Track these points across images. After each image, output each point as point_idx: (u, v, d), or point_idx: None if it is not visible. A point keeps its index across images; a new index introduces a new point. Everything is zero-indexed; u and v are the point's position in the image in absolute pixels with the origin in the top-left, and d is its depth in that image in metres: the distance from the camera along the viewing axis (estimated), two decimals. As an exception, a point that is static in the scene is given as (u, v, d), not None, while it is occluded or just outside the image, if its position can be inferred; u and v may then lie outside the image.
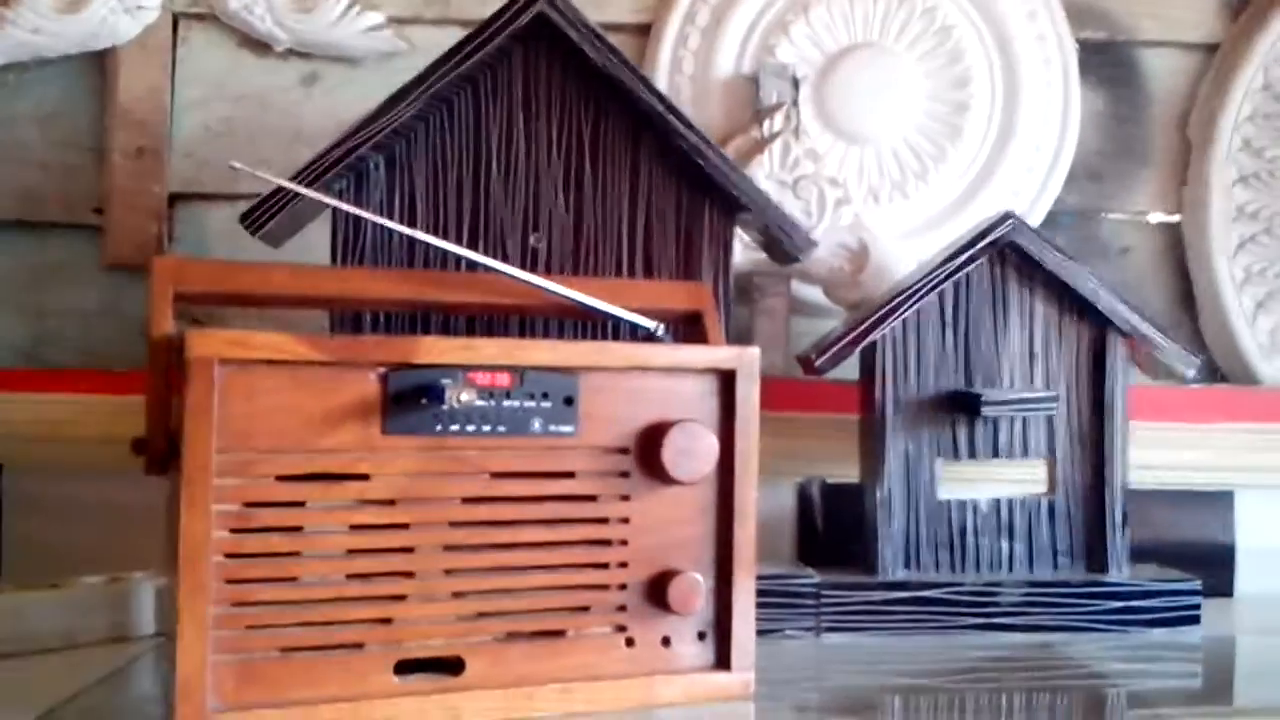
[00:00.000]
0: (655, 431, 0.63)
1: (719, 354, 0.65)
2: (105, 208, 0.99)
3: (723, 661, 0.65)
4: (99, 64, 1.00)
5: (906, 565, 0.82)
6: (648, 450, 0.63)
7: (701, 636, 0.65)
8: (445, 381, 0.59)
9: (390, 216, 0.78)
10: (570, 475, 0.63)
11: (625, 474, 0.63)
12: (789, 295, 0.98)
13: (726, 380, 0.65)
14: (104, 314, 0.99)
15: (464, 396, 0.60)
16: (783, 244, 0.79)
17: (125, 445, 0.92)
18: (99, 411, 0.93)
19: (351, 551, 0.59)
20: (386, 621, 0.59)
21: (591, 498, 0.63)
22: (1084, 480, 0.85)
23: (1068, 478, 0.84)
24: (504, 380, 0.61)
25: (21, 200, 0.99)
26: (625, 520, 0.63)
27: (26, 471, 0.94)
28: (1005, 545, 0.84)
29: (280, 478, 0.57)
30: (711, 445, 0.63)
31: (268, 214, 0.74)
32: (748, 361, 0.65)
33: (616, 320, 0.70)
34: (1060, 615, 0.81)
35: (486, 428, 0.61)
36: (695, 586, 0.63)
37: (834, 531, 0.92)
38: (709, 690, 0.64)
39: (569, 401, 0.62)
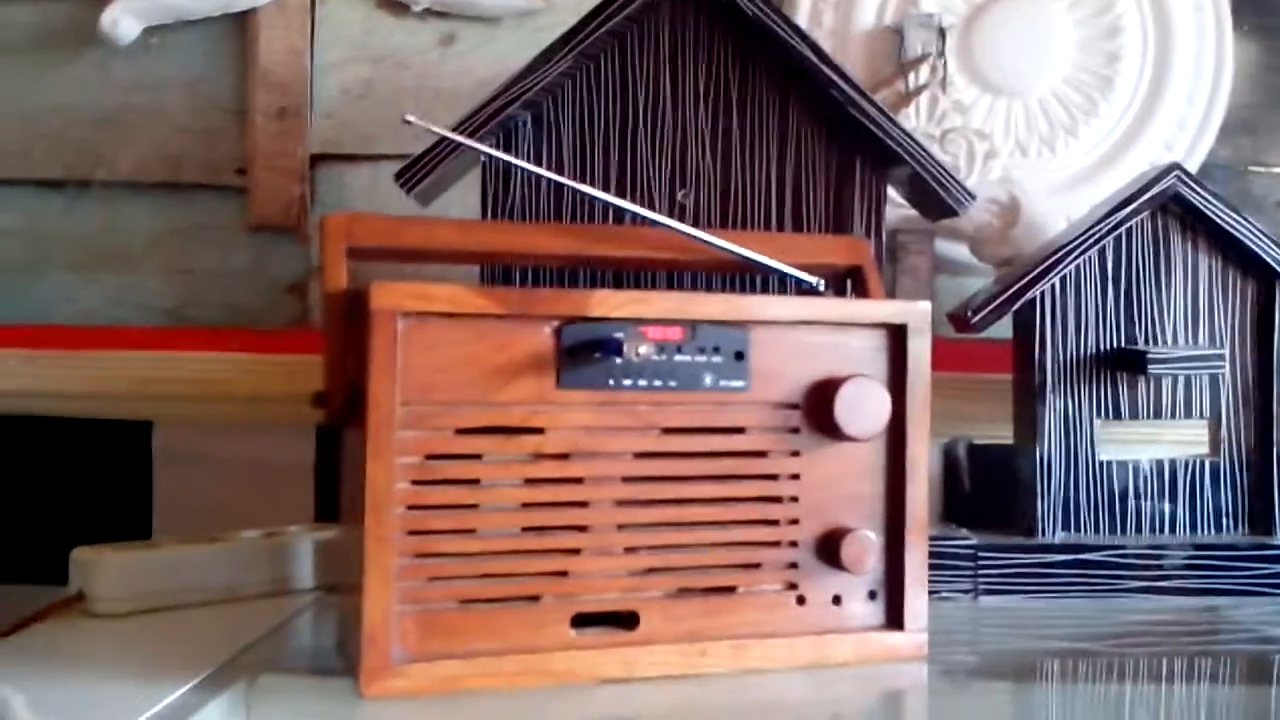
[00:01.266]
0: (826, 387, 0.62)
1: (889, 308, 0.64)
2: (248, 169, 1.00)
3: (894, 621, 0.64)
4: (240, 26, 1.01)
5: (1065, 527, 0.80)
6: (819, 406, 0.62)
7: (873, 596, 0.64)
8: (619, 335, 0.59)
9: (535, 176, 0.78)
10: (741, 431, 0.62)
11: (795, 430, 0.63)
12: (933, 253, 0.96)
13: (894, 336, 0.64)
14: (248, 274, 1.01)
15: (640, 350, 0.59)
16: (939, 198, 0.77)
17: (273, 402, 0.95)
18: (247, 370, 0.95)
19: (527, 505, 0.59)
20: (562, 575, 0.59)
21: (762, 454, 0.62)
22: (1249, 441, 0.82)
23: (1232, 438, 0.82)
24: (676, 334, 0.60)
25: (166, 163, 1.01)
26: (796, 477, 0.63)
27: (177, 429, 0.96)
28: (1168, 507, 0.81)
29: (459, 430, 0.57)
30: (884, 401, 0.62)
31: (425, 170, 0.74)
32: (919, 316, 0.64)
33: (777, 275, 0.69)
34: (1226, 578, 0.79)
35: (658, 382, 0.60)
36: (868, 544, 0.62)
37: (981, 492, 0.90)
38: (881, 650, 0.63)
39: (739, 356, 0.61)
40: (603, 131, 0.79)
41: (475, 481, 0.58)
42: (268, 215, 0.99)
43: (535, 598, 0.59)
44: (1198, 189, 0.80)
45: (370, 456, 0.55)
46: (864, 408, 0.62)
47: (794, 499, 0.63)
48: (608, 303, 0.59)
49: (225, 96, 1.01)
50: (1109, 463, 0.81)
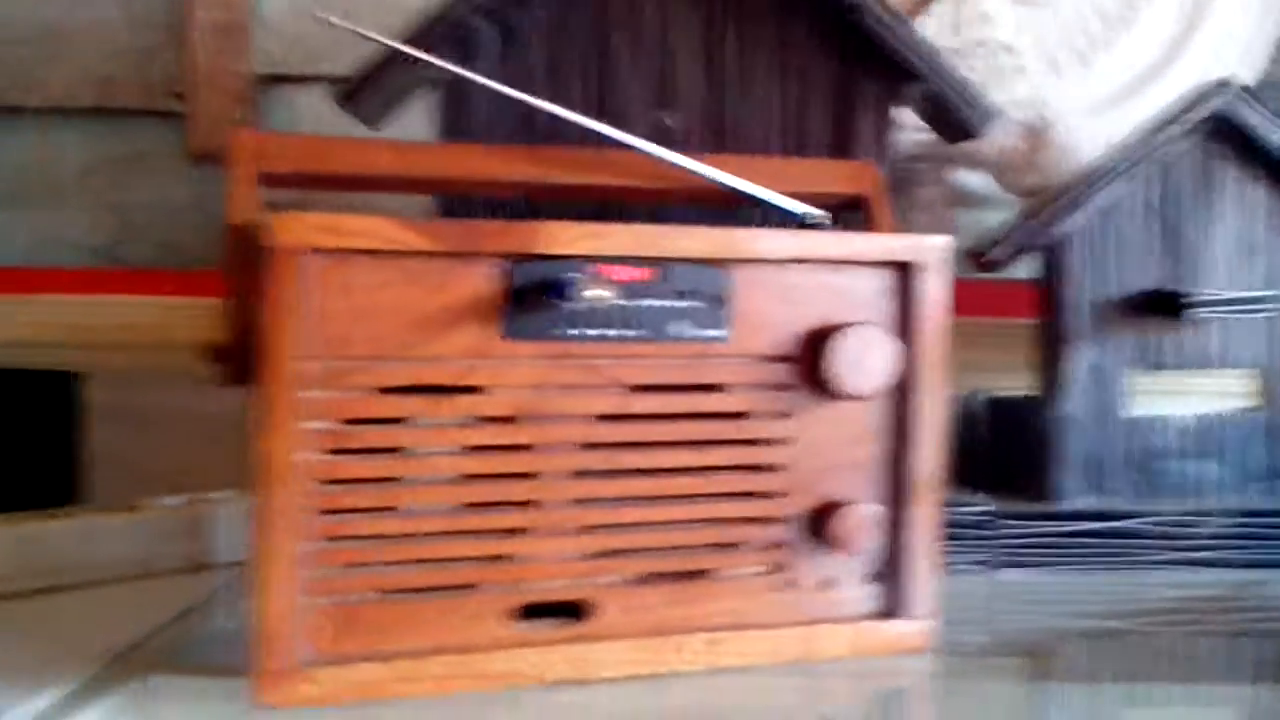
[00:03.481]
0: (822, 337, 0.53)
1: (898, 243, 0.54)
2: (186, 92, 0.90)
3: (897, 607, 0.55)
4: (177, -68, 0.91)
5: (1092, 492, 0.71)
6: (813, 359, 0.53)
7: (873, 578, 0.55)
8: (575, 276, 0.49)
9: (498, 94, 0.68)
10: (720, 389, 0.52)
11: (785, 387, 0.53)
12: (948, 184, 0.86)
13: (904, 275, 0.55)
14: (189, 209, 0.91)
15: (597, 293, 0.50)
16: (960, 116, 0.68)
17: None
18: (185, 315, 0.86)
19: (464, 477, 0.49)
20: (503, 559, 0.50)
21: (744, 415, 0.53)
22: (1303, 394, 0.73)
23: (1286, 390, 0.72)
24: (644, 274, 0.51)
25: (98, 85, 0.91)
26: (784, 442, 0.53)
27: (109, 380, 0.87)
28: (1209, 469, 0.72)
29: (382, 390, 0.48)
30: (890, 353, 0.53)
31: (369, 87, 0.64)
32: (933, 252, 0.54)
33: (770, 207, 0.59)
34: (1273, 549, 0.70)
35: (622, 332, 0.51)
36: (865, 520, 0.53)
37: (1000, 452, 0.81)
38: (881, 641, 0.54)
39: (719, 301, 0.52)
40: (577, 47, 0.68)
41: (400, 450, 0.49)
42: (209, 143, 0.90)
43: (470, 586, 0.50)
44: (1254, 108, 0.70)
45: (266, 423, 0.46)
46: (867, 360, 0.52)
47: (782, 467, 0.53)
48: (561, 237, 0.49)
49: (160, 10, 0.91)
50: (1142, 419, 0.71)
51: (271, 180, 0.54)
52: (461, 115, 0.67)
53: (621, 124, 0.68)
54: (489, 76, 0.67)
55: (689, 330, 0.52)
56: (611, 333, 0.51)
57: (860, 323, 0.52)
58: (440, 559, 0.49)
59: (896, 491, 0.55)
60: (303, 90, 0.91)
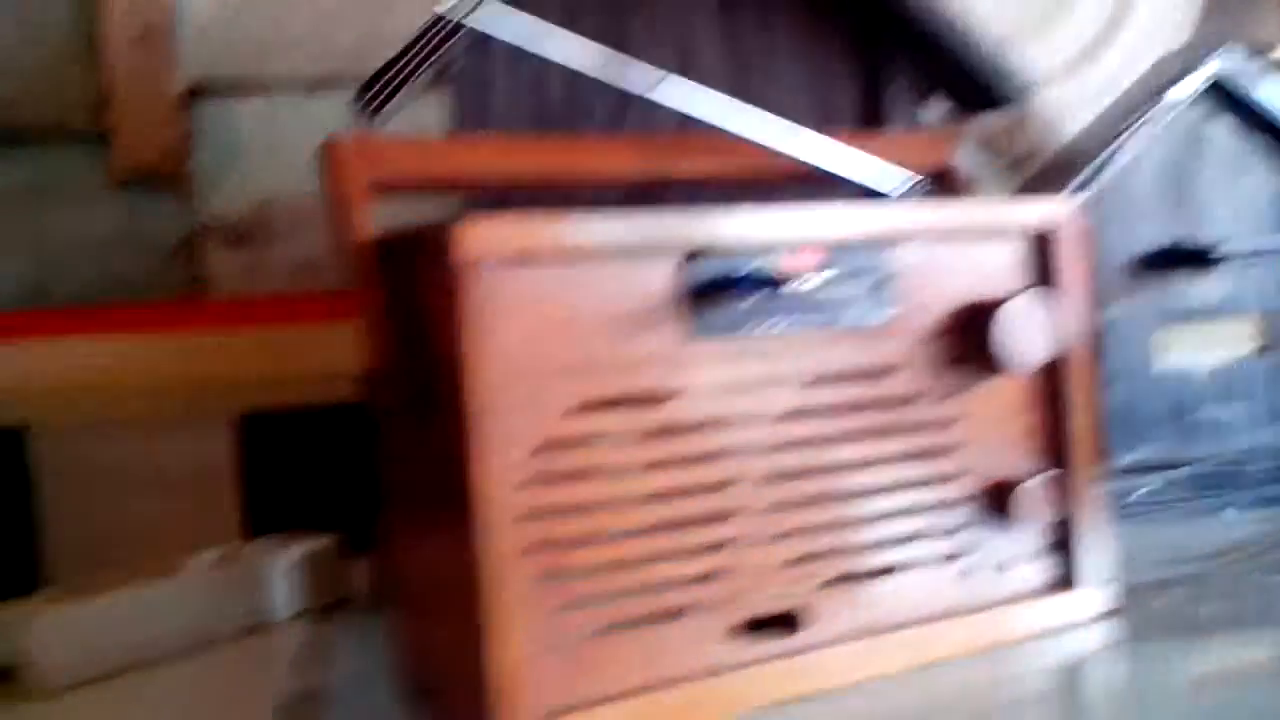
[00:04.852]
0: (979, 311, 0.51)
1: (1038, 210, 0.53)
2: (106, 110, 0.80)
3: (1069, 579, 0.54)
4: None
5: (1135, 446, 0.72)
6: (973, 335, 0.51)
7: (1048, 550, 0.54)
8: (757, 267, 0.46)
9: (518, 77, 0.63)
10: (890, 373, 0.50)
11: (949, 365, 0.51)
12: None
13: (1037, 244, 0.53)
14: (119, 239, 0.82)
15: (780, 284, 0.47)
16: (990, 86, 0.67)
17: (172, 392, 0.77)
18: (136, 353, 0.77)
19: (662, 493, 0.45)
20: (713, 576, 0.46)
21: (915, 398, 0.51)
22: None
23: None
24: (816, 259, 0.48)
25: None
26: (954, 422, 0.51)
27: (57, 433, 0.77)
28: (1240, 410, 0.74)
29: (581, 407, 0.44)
30: (1049, 323, 0.51)
31: (396, 82, 0.58)
32: (1068, 217, 0.53)
33: (861, 187, 0.57)
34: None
35: (803, 320, 0.48)
36: (1042, 493, 0.52)
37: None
38: (1065, 613, 0.53)
39: (885, 280, 0.50)
40: (591, 20, 0.64)
41: (597, 473, 0.44)
42: (138, 164, 0.81)
43: (686, 609, 0.46)
44: (1252, 68, 0.72)
45: (474, 454, 0.41)
46: (1028, 332, 0.51)
47: (954, 449, 0.51)
48: (740, 225, 0.46)
49: (68, 22, 0.81)
50: (1173, 370, 0.73)
51: (376, 189, 0.48)
52: (478, 107, 0.63)
53: (641, 101, 0.65)
54: (505, 64, 0.63)
55: (860, 314, 0.49)
56: (792, 323, 0.47)
57: (1020, 292, 0.51)
58: (653, 584, 0.45)
59: (1059, 459, 0.53)
60: (242, 100, 0.82)
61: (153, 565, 0.60)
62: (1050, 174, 0.73)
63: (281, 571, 0.62)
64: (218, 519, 0.78)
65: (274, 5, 0.82)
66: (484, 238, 0.41)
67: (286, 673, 0.54)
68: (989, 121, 0.81)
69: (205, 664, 0.56)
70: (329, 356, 0.77)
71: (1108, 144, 0.71)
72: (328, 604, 0.64)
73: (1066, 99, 0.83)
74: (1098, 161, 0.71)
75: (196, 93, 0.82)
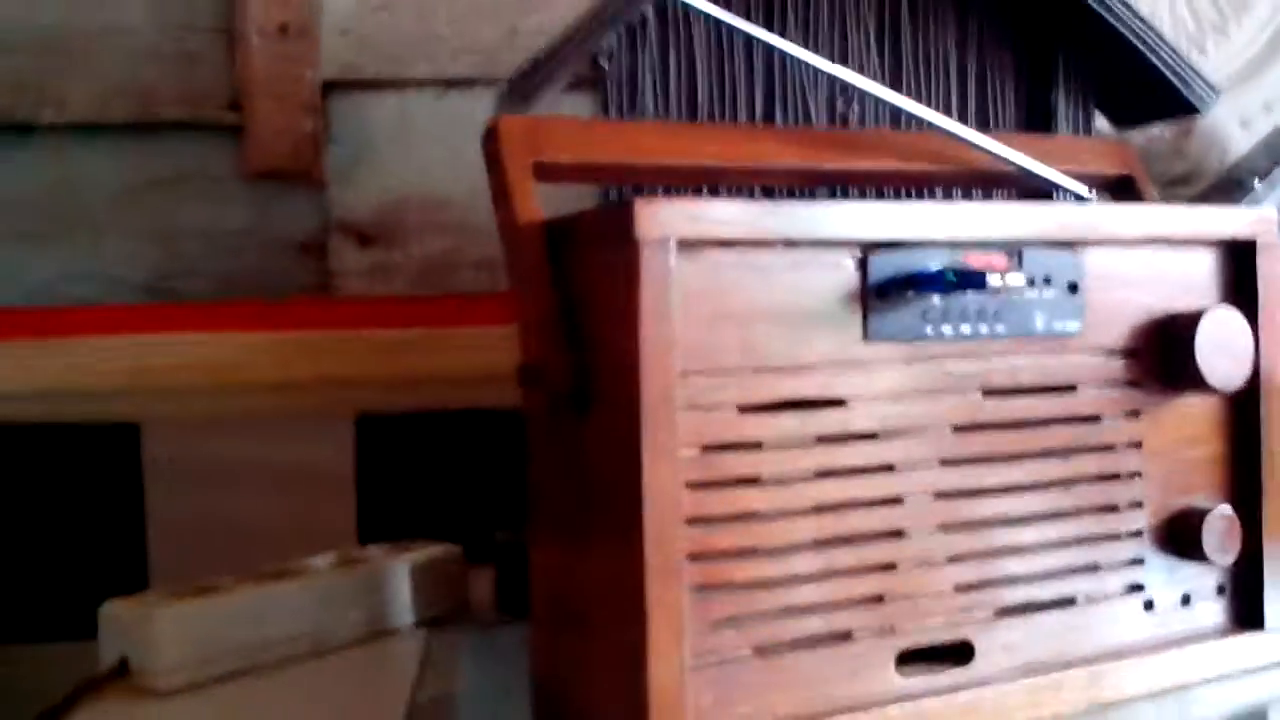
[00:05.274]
0: (1176, 325, 0.47)
1: (1237, 218, 0.49)
2: (243, 102, 0.80)
3: (1253, 618, 0.50)
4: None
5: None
6: (1167, 350, 0.47)
7: (1232, 589, 0.49)
8: (940, 266, 0.43)
9: (665, 80, 0.61)
10: (1072, 389, 0.46)
11: (1134, 384, 0.47)
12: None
13: (1232, 255, 0.49)
14: (249, 233, 0.81)
15: (966, 284, 0.43)
16: (1174, 94, 0.63)
17: (294, 391, 0.76)
18: (257, 352, 0.76)
19: (825, 507, 0.42)
20: (878, 599, 0.43)
21: (1097, 418, 0.47)
22: None
23: None
24: (1001, 261, 0.45)
25: (133, 97, 0.80)
26: (1137, 445, 0.48)
27: (170, 430, 0.76)
28: None
29: (748, 407, 0.41)
30: (1250, 340, 0.47)
31: (547, 72, 0.56)
32: (1271, 227, 0.49)
33: (1054, 186, 0.54)
34: None
35: (984, 328, 0.44)
36: (1232, 524, 0.48)
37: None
38: (1249, 656, 0.49)
39: (1073, 288, 0.46)
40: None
41: (761, 479, 0.41)
42: (270, 160, 0.80)
43: (848, 634, 0.42)
44: None
45: (647, 452, 0.38)
46: (1230, 349, 0.47)
47: (1136, 474, 0.48)
48: (920, 219, 0.43)
49: (207, 12, 0.81)
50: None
51: (541, 173, 0.46)
52: (628, 102, 0.60)
53: (796, 112, 0.62)
54: (651, 62, 0.61)
55: (1045, 323, 0.46)
56: (973, 329, 0.44)
57: (1219, 307, 0.47)
58: (818, 604, 0.42)
59: (1247, 491, 0.49)
60: (377, 96, 0.81)
61: (271, 567, 0.59)
62: (1217, 190, 0.68)
63: (403, 578, 0.60)
64: (330, 521, 0.76)
65: (417, 2, 0.81)
66: (665, 218, 0.38)
67: (414, 681, 0.51)
68: (1153, 133, 0.77)
69: (325, 670, 0.54)
70: (449, 361, 0.75)
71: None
72: (446, 613, 0.62)
73: (1230, 114, 0.78)
74: (1271, 178, 0.66)
75: (331, 89, 0.81)
